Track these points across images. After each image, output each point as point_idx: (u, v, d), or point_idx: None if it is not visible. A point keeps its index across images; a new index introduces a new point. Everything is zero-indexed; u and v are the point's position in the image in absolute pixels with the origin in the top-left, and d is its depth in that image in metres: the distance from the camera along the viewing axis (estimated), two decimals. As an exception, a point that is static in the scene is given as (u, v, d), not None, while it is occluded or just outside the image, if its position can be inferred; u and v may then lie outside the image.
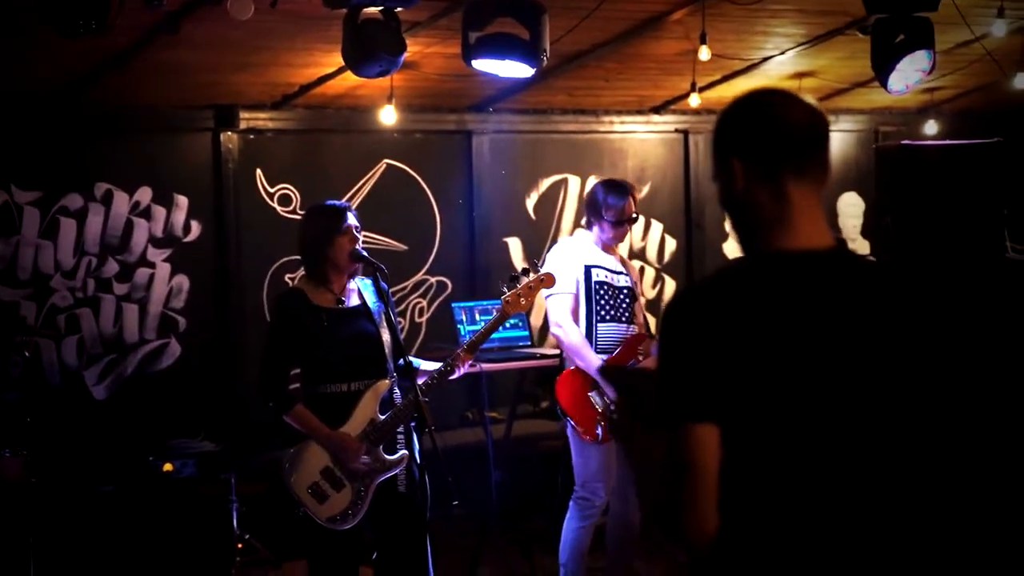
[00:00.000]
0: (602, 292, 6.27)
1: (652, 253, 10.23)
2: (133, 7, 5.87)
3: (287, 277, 8.57)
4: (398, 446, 5.43)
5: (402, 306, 9.08)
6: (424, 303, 9.28)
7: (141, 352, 8.27)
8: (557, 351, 6.60)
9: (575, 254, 6.32)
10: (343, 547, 5.37)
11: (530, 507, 7.87)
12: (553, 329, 6.32)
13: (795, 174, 2.47)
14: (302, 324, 5.32)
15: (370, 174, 9.05)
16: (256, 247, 8.60)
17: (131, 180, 8.24)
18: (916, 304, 2.44)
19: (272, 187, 8.69)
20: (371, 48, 6.16)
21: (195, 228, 8.46)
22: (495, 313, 5.76)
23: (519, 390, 7.84)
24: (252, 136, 8.63)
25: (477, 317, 7.53)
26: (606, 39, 8.09)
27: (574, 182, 9.90)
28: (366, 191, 9.01)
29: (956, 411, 2.44)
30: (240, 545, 7.43)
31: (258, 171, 8.66)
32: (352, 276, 5.47)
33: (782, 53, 8.77)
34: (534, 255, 9.48)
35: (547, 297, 6.20)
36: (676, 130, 10.32)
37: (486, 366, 7.11)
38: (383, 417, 5.36)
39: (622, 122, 10.09)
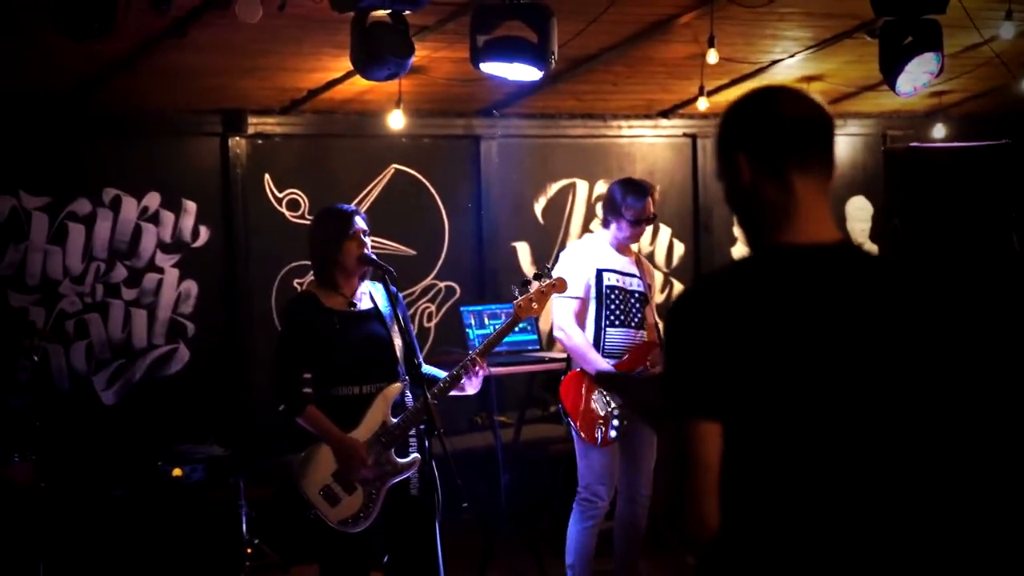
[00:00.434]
0: (613, 296, 6.27)
1: (661, 257, 10.22)
2: (140, 10, 5.88)
3: (295, 282, 8.58)
4: (410, 449, 5.42)
5: (411, 311, 9.07)
6: (432, 308, 9.28)
7: (150, 357, 8.27)
8: (565, 355, 6.60)
9: (587, 257, 6.32)
10: (354, 551, 5.36)
11: (539, 510, 7.87)
12: (556, 332, 6.33)
13: (801, 168, 2.47)
14: (314, 327, 5.32)
15: (378, 179, 9.06)
16: (264, 252, 8.60)
17: (139, 185, 8.25)
18: (923, 299, 2.43)
19: (280, 192, 8.70)
20: (379, 51, 6.16)
21: (204, 233, 8.46)
22: (505, 317, 5.75)
23: (528, 394, 7.84)
24: (260, 141, 8.63)
25: (486, 321, 7.53)
26: (614, 43, 8.09)
27: (582, 186, 9.91)
28: (374, 196, 9.01)
29: (962, 409, 2.43)
30: (249, 550, 7.43)
31: (266, 176, 8.66)
32: (362, 279, 5.47)
33: (790, 56, 8.77)
34: (542, 259, 9.49)
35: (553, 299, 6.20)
36: (684, 134, 10.32)
37: (495, 370, 7.11)
38: (395, 420, 5.35)
39: (630, 126, 10.09)
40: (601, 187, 9.78)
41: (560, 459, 8.12)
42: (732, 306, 2.36)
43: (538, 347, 7.78)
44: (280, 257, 8.62)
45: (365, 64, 6.30)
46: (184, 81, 7.77)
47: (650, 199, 6.33)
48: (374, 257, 5.40)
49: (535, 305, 5.71)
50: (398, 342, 5.42)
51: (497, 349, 6.19)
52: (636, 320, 6.32)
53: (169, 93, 7.98)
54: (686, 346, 2.37)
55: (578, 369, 6.26)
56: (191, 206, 8.42)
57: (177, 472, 7.54)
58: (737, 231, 10.37)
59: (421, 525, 5.38)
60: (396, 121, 8.09)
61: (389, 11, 6.08)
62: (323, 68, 7.82)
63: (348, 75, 7.75)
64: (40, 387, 7.64)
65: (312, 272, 5.68)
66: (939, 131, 10.78)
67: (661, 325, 6.46)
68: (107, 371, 8.12)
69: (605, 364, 6.12)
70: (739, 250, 10.25)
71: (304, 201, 8.72)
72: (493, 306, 7.79)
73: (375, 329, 5.41)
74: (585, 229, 9.72)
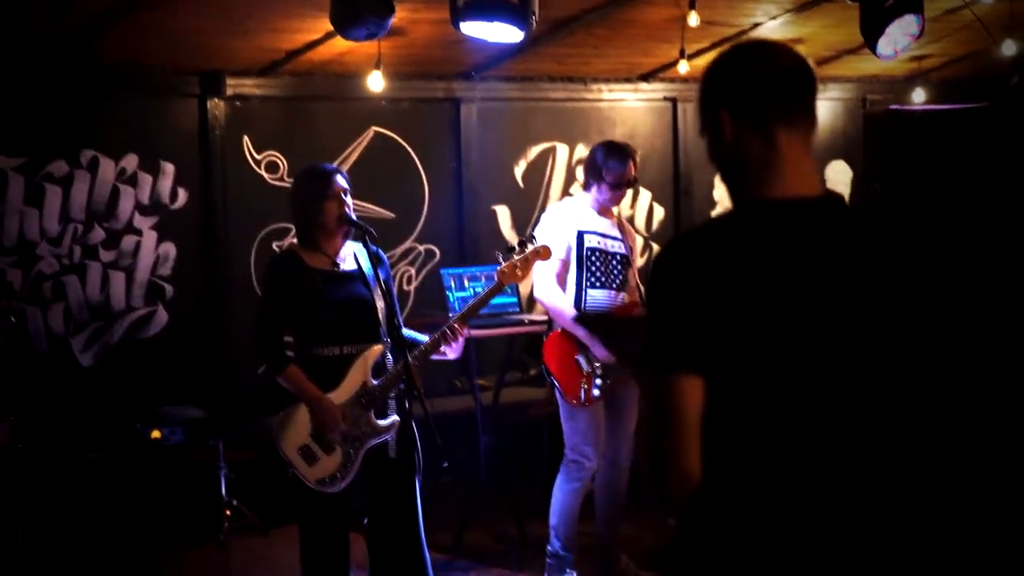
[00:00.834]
0: (594, 258, 6.27)
1: (641, 221, 10.22)
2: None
3: (275, 245, 8.55)
4: (389, 412, 5.42)
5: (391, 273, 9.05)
6: (412, 271, 9.27)
7: (128, 319, 8.24)
8: (546, 317, 6.61)
9: (568, 219, 6.31)
10: (332, 511, 5.36)
11: (519, 474, 7.89)
12: (536, 292, 6.33)
13: (784, 122, 2.46)
14: (295, 285, 5.30)
15: (358, 141, 9.02)
16: (243, 215, 8.57)
17: (117, 147, 8.19)
18: (904, 252, 2.42)
19: (259, 154, 8.66)
20: (358, 10, 6.13)
21: (182, 195, 8.42)
22: (485, 279, 5.75)
23: (508, 357, 7.84)
24: (239, 103, 8.58)
25: (466, 284, 7.52)
26: (595, 5, 8.05)
27: (562, 150, 9.89)
28: (354, 159, 8.98)
29: (943, 362, 2.43)
30: (228, 512, 7.44)
31: (245, 138, 8.62)
32: (345, 239, 5.45)
33: (771, 19, 8.75)
34: (523, 223, 9.50)
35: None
36: (665, 98, 10.31)
37: (475, 332, 7.09)
38: (375, 382, 5.35)
39: (611, 90, 10.07)
40: (581, 151, 9.77)
41: (539, 423, 8.15)
42: (715, 260, 2.35)
43: (518, 310, 7.77)
44: (259, 220, 8.59)
45: (344, 23, 6.27)
46: (162, 42, 7.70)
47: (632, 162, 6.33)
48: (354, 217, 5.39)
49: (519, 272, 5.72)
50: (380, 304, 5.42)
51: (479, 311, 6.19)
52: (617, 282, 6.32)
53: (147, 54, 7.91)
54: (668, 300, 2.36)
55: (560, 330, 6.26)
56: (169, 168, 8.37)
57: (156, 434, 7.52)
58: (718, 194, 10.40)
59: (401, 487, 5.40)
60: (376, 83, 8.04)
61: (369, -30, 6.05)
62: (302, 29, 7.77)
63: (327, 36, 7.70)
64: (17, 349, 7.61)
65: (294, 233, 5.66)
66: (919, 95, 10.79)
67: (643, 288, 6.47)
68: (85, 333, 8.08)
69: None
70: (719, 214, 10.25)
71: (283, 163, 8.68)
72: (474, 268, 7.77)
73: (358, 290, 5.39)
74: (565, 193, 9.71)
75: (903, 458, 2.39)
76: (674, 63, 8.88)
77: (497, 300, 6.98)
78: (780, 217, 2.42)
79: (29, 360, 7.74)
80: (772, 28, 8.88)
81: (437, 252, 9.34)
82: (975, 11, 8.51)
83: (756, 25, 8.83)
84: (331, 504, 5.34)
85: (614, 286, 6.31)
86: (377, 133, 9.10)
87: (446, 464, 5.22)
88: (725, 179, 2.54)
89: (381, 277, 5.41)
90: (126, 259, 8.23)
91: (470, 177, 9.45)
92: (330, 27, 6.50)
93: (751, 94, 2.46)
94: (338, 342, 5.33)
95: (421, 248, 9.30)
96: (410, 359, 5.23)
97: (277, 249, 8.40)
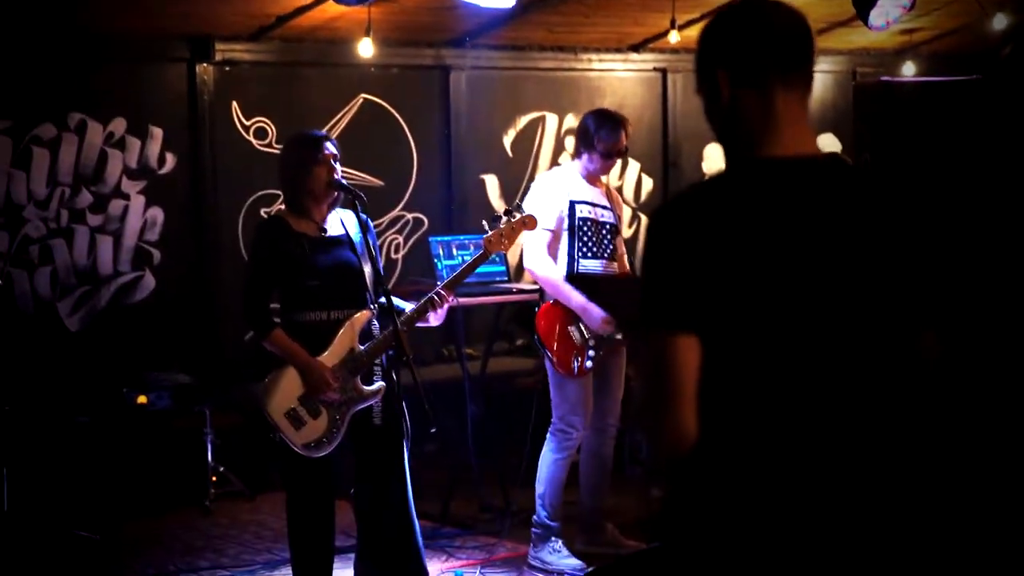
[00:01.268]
0: (585, 228, 6.25)
1: (629, 192, 10.21)
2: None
3: (263, 211, 8.52)
4: (375, 378, 5.43)
5: (378, 241, 9.02)
6: (400, 239, 9.25)
7: (115, 284, 8.21)
8: (534, 286, 6.60)
9: (560, 189, 6.28)
10: (319, 477, 5.37)
11: (506, 443, 7.89)
12: (527, 263, 6.31)
13: (782, 81, 2.45)
14: (283, 250, 5.29)
15: (346, 108, 8.98)
16: (231, 180, 8.54)
17: (105, 110, 8.15)
18: (902, 210, 2.42)
19: (248, 120, 8.62)
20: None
21: (170, 160, 8.38)
22: (473, 248, 5.75)
23: (496, 326, 7.83)
24: (228, 68, 8.54)
25: (454, 252, 7.50)
26: (586, -29, 8.03)
27: (552, 120, 9.86)
28: (343, 126, 8.94)
29: (941, 322, 2.43)
30: (214, 477, 7.45)
31: (234, 104, 8.58)
32: (333, 206, 5.44)
33: (762, -10, 8.70)
34: (511, 192, 9.48)
35: (524, 231, 6.18)
36: (655, 69, 10.27)
37: (463, 300, 7.08)
38: (362, 348, 5.35)
39: (600, 60, 10.04)
40: (571, 121, 9.74)
41: (527, 392, 8.14)
42: (712, 217, 2.34)
43: (506, 278, 7.76)
44: (247, 185, 8.56)
45: (335, -14, 6.23)
46: (152, 5, 7.66)
47: (624, 132, 6.30)
48: (344, 182, 5.38)
49: (505, 241, 5.71)
50: (368, 270, 5.42)
51: (465, 280, 6.18)
52: (608, 252, 6.32)
53: (136, 17, 7.85)
54: (664, 258, 2.35)
55: (552, 301, 6.25)
56: (157, 132, 8.33)
57: (142, 399, 7.52)
58: (706, 165, 10.37)
59: (388, 454, 5.41)
60: (365, 49, 7.99)
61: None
62: (293, -8, 7.73)
63: (318, 1, 7.66)
64: (4, 311, 7.60)
65: (283, 199, 5.64)
66: (909, 69, 10.77)
67: (629, 258, 6.47)
68: (72, 297, 8.05)
69: (579, 296, 6.08)
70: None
71: (272, 129, 8.65)
72: (462, 236, 7.75)
73: (345, 255, 5.39)
74: (554, 163, 9.69)
75: (901, 419, 2.39)
76: (664, 33, 8.86)
77: (485, 268, 6.96)
78: (778, 176, 2.40)
79: (15, 324, 7.72)
80: (763, -1, 8.84)
81: (425, 220, 9.32)
82: (967, -16, 8.50)
83: (747, -4, 8.78)
84: (317, 470, 5.35)
85: (605, 256, 6.30)
86: (366, 100, 9.06)
87: (435, 430, 5.23)
88: (721, 139, 2.52)
89: (370, 242, 5.40)
90: (113, 223, 8.20)
91: (459, 146, 9.42)
92: (320, -9, 6.46)
93: (750, 53, 2.44)
94: (325, 307, 5.32)
95: (409, 216, 9.28)
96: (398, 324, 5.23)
97: (265, 215, 8.37)
